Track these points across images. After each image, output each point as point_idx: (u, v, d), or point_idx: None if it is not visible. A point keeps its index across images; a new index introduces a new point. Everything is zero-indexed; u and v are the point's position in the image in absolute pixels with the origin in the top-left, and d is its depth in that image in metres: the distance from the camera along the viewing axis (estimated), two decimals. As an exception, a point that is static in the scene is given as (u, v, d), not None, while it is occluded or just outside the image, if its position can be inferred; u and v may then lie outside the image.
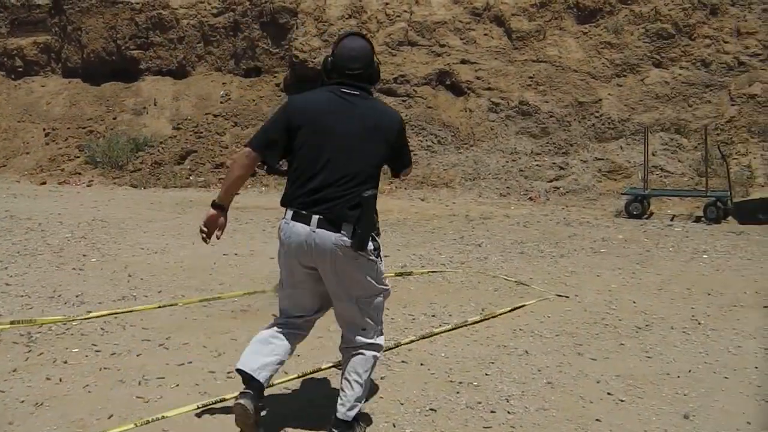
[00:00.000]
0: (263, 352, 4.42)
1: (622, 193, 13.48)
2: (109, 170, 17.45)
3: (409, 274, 8.57)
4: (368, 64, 4.46)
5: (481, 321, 6.85)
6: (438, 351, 6.07)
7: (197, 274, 8.76)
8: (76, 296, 7.75)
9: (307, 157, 4.30)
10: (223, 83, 19.19)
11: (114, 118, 19.41)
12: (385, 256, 8.98)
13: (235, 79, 19.22)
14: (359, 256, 4.21)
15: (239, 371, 4.42)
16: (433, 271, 8.78)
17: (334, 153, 4.26)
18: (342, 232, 4.17)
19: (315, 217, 4.15)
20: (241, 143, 16.97)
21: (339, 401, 4.32)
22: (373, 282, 4.35)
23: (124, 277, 8.61)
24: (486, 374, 5.53)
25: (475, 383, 5.34)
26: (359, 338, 4.43)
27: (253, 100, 18.36)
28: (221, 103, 18.62)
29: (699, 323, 6.82)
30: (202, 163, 16.90)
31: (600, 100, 16.07)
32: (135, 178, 16.81)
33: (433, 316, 7.10)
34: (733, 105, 15.55)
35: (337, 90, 4.37)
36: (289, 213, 4.28)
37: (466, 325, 6.70)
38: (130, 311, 7.13)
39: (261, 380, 4.33)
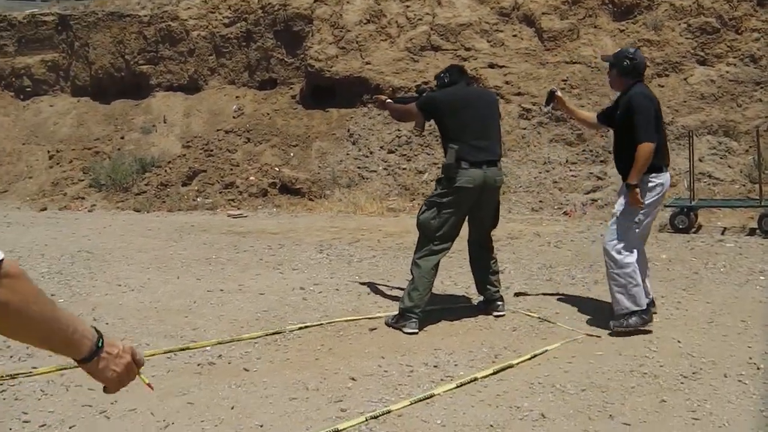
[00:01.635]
0: None
1: (665, 205, 12.07)
2: (114, 193, 16.43)
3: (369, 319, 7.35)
4: None
5: (491, 375, 5.61)
6: (434, 416, 4.86)
7: (171, 316, 7.66)
8: (26, 347, 6.61)
9: None
10: (237, 97, 18.10)
11: (122, 138, 18.40)
12: (387, 285, 7.77)
13: (249, 92, 18.12)
14: None
15: None
16: (443, 307, 7.55)
17: None
18: None
19: None
20: (253, 161, 15.89)
21: None
22: None
23: (88, 321, 7.46)
24: (489, 450, 4.32)
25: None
26: None
27: (267, 114, 17.24)
28: (234, 118, 17.53)
29: (758, 368, 5.53)
30: (211, 183, 15.80)
31: (640, 102, 14.67)
32: (139, 202, 15.74)
33: (436, 366, 5.88)
34: (787, 103, 14.15)
35: None
36: None
37: (472, 381, 5.47)
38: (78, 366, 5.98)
39: None
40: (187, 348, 6.60)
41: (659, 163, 6.68)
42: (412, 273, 6.99)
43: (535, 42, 16.23)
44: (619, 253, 6.70)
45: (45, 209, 16.38)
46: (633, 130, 6.55)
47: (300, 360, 6.23)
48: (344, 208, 14.10)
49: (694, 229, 11.41)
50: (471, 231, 7.35)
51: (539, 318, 7.06)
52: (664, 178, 6.79)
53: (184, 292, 8.52)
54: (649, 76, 14.63)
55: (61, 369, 5.93)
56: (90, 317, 7.62)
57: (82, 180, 17.35)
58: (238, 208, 14.72)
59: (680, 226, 11.22)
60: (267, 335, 6.87)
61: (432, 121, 7.30)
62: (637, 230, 6.78)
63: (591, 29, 16.01)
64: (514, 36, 16.41)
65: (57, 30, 20.50)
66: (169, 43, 18.97)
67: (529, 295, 8.01)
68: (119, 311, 7.86)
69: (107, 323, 7.43)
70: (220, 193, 15.47)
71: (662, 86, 14.80)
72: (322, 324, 7.10)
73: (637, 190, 6.52)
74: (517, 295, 8.02)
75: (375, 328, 6.96)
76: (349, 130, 16.06)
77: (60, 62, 20.51)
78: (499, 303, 7.25)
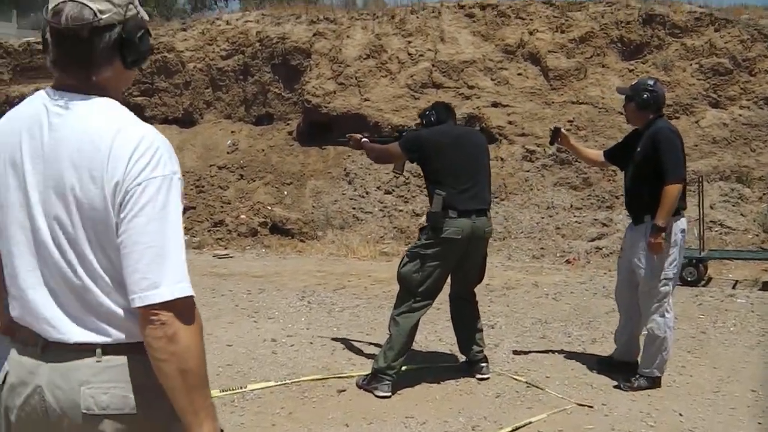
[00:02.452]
0: None
1: (672, 256, 11.38)
2: (99, 229, 15.75)
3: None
4: None
5: (464, 454, 4.95)
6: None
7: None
8: None
9: None
10: (232, 132, 17.46)
11: (112, 171, 17.75)
12: (365, 341, 7.06)
13: (245, 127, 17.48)
14: None
15: None
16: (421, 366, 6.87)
17: None
18: None
19: None
20: (245, 198, 15.29)
21: None
22: None
23: None
24: None
25: None
26: None
27: (263, 150, 16.62)
28: (228, 153, 16.91)
29: (771, 451, 4.86)
30: (200, 221, 15.16)
31: (649, 145, 14.00)
32: (124, 239, 15.06)
33: (404, 439, 5.22)
34: (804, 149, 13.48)
35: None
36: None
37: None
38: None
39: None
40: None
41: (681, 205, 6.26)
42: (389, 330, 6.32)
43: (540, 81, 15.62)
44: (663, 315, 6.23)
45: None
46: (659, 167, 5.96)
47: (255, 426, 5.59)
48: (336, 251, 13.44)
49: (703, 282, 10.68)
50: (454, 285, 6.65)
51: (526, 383, 6.38)
52: (685, 222, 6.36)
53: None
54: (659, 119, 14.00)
55: None
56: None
57: (68, 214, 16.68)
58: (225, 248, 14.08)
59: (689, 279, 10.49)
60: (224, 394, 6.22)
61: (415, 164, 6.69)
62: (673, 287, 6.34)
63: (599, 68, 15.40)
64: (519, 74, 15.80)
65: (52, 59, 19.94)
66: (164, 75, 18.38)
67: (523, 353, 7.33)
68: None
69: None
70: (209, 231, 14.84)
71: (672, 129, 14.14)
72: (286, 384, 6.44)
73: (664, 234, 5.94)
74: (516, 353, 7.35)
75: (344, 390, 6.31)
76: (345, 169, 15.42)
77: (54, 93, 19.93)
78: (483, 365, 6.56)
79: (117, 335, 2.13)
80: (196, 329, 2.12)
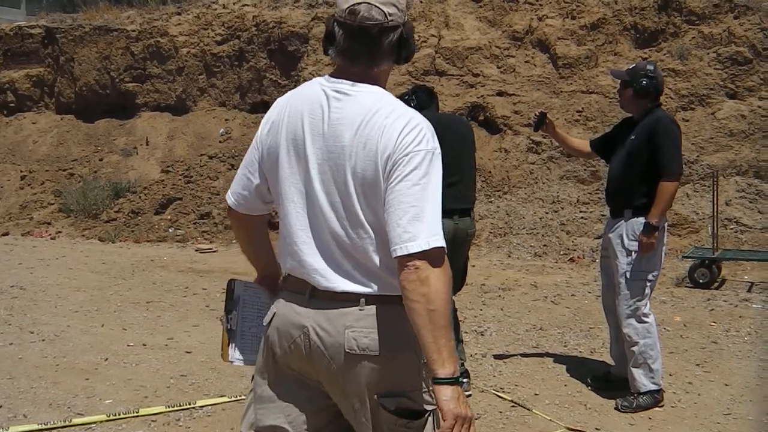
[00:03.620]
0: None
1: (683, 256, 10.56)
2: (82, 220, 15.09)
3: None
4: None
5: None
6: None
7: (70, 377, 6.35)
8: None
9: None
10: (226, 120, 16.76)
11: (100, 160, 17.06)
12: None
13: (239, 115, 16.77)
14: None
15: None
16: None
17: None
18: None
19: None
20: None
21: None
22: None
23: (-30, 379, 6.20)
24: None
25: None
26: None
27: (256, 139, 15.91)
28: (220, 142, 16.20)
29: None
30: (186, 213, 14.47)
31: (662, 137, 13.17)
32: (106, 230, 14.39)
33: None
34: (825, 142, 12.66)
35: None
36: None
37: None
38: None
39: None
40: (68, 426, 5.27)
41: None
42: None
43: (549, 69, 14.82)
44: (640, 320, 5.51)
45: (6, 234, 15.08)
46: (654, 161, 5.37)
47: (196, 450, 4.86)
48: (327, 245, 12.72)
49: (716, 284, 9.87)
50: None
51: (512, 402, 5.62)
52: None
53: (99, 345, 7.20)
54: (674, 109, 13.20)
55: None
56: (-25, 374, 6.32)
57: (52, 204, 16.02)
58: (210, 242, 13.38)
59: (700, 281, 9.71)
60: (169, 410, 5.50)
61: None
62: (651, 289, 5.62)
63: (611, 56, 14.57)
64: (527, 62, 15.01)
65: (43, 44, 19.22)
66: (157, 61, 17.67)
67: (506, 359, 6.59)
68: (13, 368, 6.57)
69: (-8, 383, 6.13)
70: (194, 224, 14.14)
71: (687, 120, 13.30)
72: (240, 400, 5.71)
73: (656, 234, 5.34)
74: (497, 358, 6.63)
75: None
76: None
77: (45, 78, 19.22)
78: (464, 381, 5.80)
79: (377, 288, 2.53)
80: (444, 276, 2.39)
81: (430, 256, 2.36)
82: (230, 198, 2.88)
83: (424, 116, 5.71)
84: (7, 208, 16.39)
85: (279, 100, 2.77)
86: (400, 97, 5.97)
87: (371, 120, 2.50)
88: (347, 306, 2.54)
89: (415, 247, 2.35)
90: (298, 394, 2.69)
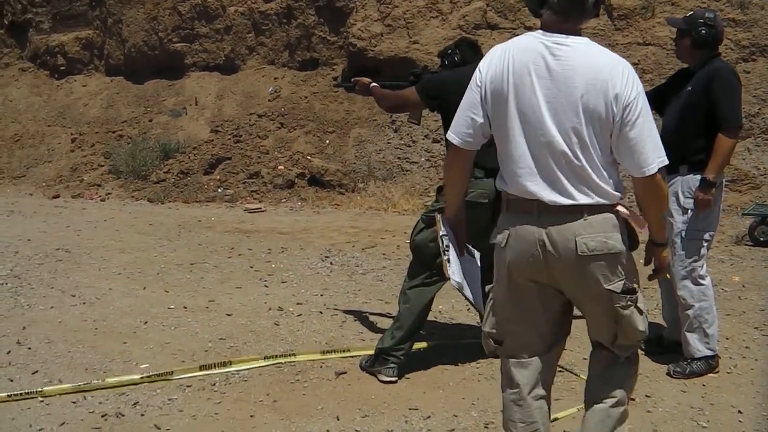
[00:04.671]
0: None
1: (743, 213, 10.17)
2: (131, 181, 15.07)
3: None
4: None
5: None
6: None
7: (108, 341, 6.22)
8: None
9: None
10: (275, 78, 16.58)
11: (149, 121, 17.03)
12: (380, 313, 6.14)
13: (288, 73, 16.58)
14: None
15: None
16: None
17: None
18: None
19: None
20: (284, 148, 14.44)
21: None
22: None
23: (9, 345, 6.12)
24: None
25: None
26: None
27: (305, 97, 15.71)
28: (269, 101, 16.04)
29: None
30: (235, 172, 14.36)
31: (722, 89, 12.69)
32: (156, 191, 14.35)
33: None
34: None
35: None
36: None
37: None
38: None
39: None
40: (102, 388, 5.16)
41: None
42: (399, 306, 5.37)
43: (603, 21, 14.37)
44: (696, 282, 5.22)
45: (57, 197, 15.10)
46: (713, 113, 5.05)
47: (230, 417, 4.70)
48: (375, 204, 12.52)
49: (778, 243, 9.51)
50: None
51: (559, 367, 5.37)
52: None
53: (140, 308, 7.06)
54: (734, 61, 12.72)
55: None
56: (14, 339, 6.23)
57: (102, 166, 16.03)
58: (260, 201, 13.26)
59: (761, 239, 9.34)
60: (203, 374, 5.37)
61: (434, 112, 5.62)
62: (707, 249, 5.32)
63: (668, 6, 14.07)
64: (581, 13, 14.59)
65: (91, 6, 19.20)
66: (205, 20, 17.53)
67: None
68: (52, 332, 6.45)
69: (29, 348, 6.08)
70: (243, 183, 14.04)
71: (748, 72, 12.82)
72: (279, 363, 5.55)
73: (713, 190, 5.06)
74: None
75: (344, 372, 5.38)
76: (391, 116, 14.42)
77: (94, 40, 19.23)
78: (508, 343, 5.58)
79: (598, 199, 3.11)
80: (663, 180, 3.15)
81: (661, 171, 3.11)
82: (455, 138, 3.42)
83: (467, 72, 5.44)
84: (58, 171, 16.45)
85: (494, 50, 3.27)
86: (444, 51, 5.71)
87: (597, 65, 3.09)
88: (573, 217, 3.13)
89: (655, 168, 3.09)
90: (531, 299, 3.33)
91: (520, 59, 3.16)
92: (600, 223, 3.13)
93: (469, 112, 3.33)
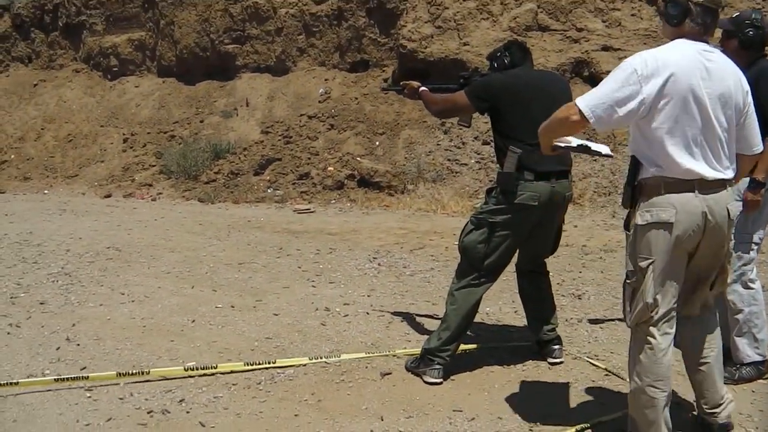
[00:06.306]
0: None
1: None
2: (182, 181, 15.17)
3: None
4: None
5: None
6: None
7: (156, 339, 6.28)
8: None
9: None
10: (326, 79, 16.61)
11: (201, 122, 17.13)
12: (426, 315, 6.13)
13: (339, 75, 16.60)
14: None
15: None
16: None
17: None
18: None
19: None
20: (334, 150, 14.46)
21: None
22: None
23: (58, 341, 6.20)
24: None
25: None
26: None
27: (356, 98, 15.72)
28: (320, 102, 16.08)
29: None
30: (284, 173, 14.40)
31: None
32: (206, 191, 14.44)
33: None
34: None
35: None
36: None
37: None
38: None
39: None
40: (145, 381, 5.24)
41: None
42: (446, 307, 5.34)
43: (656, 22, 14.21)
44: (746, 286, 5.15)
45: (109, 196, 15.26)
46: (761, 114, 4.92)
47: (274, 416, 4.72)
48: (425, 206, 12.48)
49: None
50: (522, 256, 5.56)
51: (606, 371, 5.32)
52: None
53: (188, 306, 7.12)
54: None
55: None
56: (64, 335, 6.35)
57: (154, 166, 16.17)
58: (309, 202, 13.29)
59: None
60: (247, 369, 5.40)
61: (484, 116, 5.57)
62: (757, 252, 5.25)
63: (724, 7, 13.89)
64: (633, 15, 14.46)
65: (144, 8, 19.38)
66: (256, 22, 17.60)
67: (598, 322, 6.30)
68: (101, 329, 6.53)
69: (78, 344, 6.20)
70: (293, 184, 14.07)
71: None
72: (326, 362, 5.55)
73: (763, 191, 5.00)
74: (592, 322, 6.35)
75: (389, 373, 5.37)
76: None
77: (147, 41, 19.42)
78: (556, 347, 5.52)
79: (732, 174, 3.90)
80: None
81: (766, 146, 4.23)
82: (591, 116, 3.73)
83: (517, 74, 5.39)
84: (110, 171, 16.63)
85: (659, 56, 3.74)
86: (493, 54, 5.65)
87: (733, 67, 3.91)
88: (724, 189, 3.83)
89: (762, 146, 4.14)
90: (682, 264, 3.90)
91: (686, 66, 3.73)
92: (732, 192, 3.93)
93: (616, 102, 3.71)
